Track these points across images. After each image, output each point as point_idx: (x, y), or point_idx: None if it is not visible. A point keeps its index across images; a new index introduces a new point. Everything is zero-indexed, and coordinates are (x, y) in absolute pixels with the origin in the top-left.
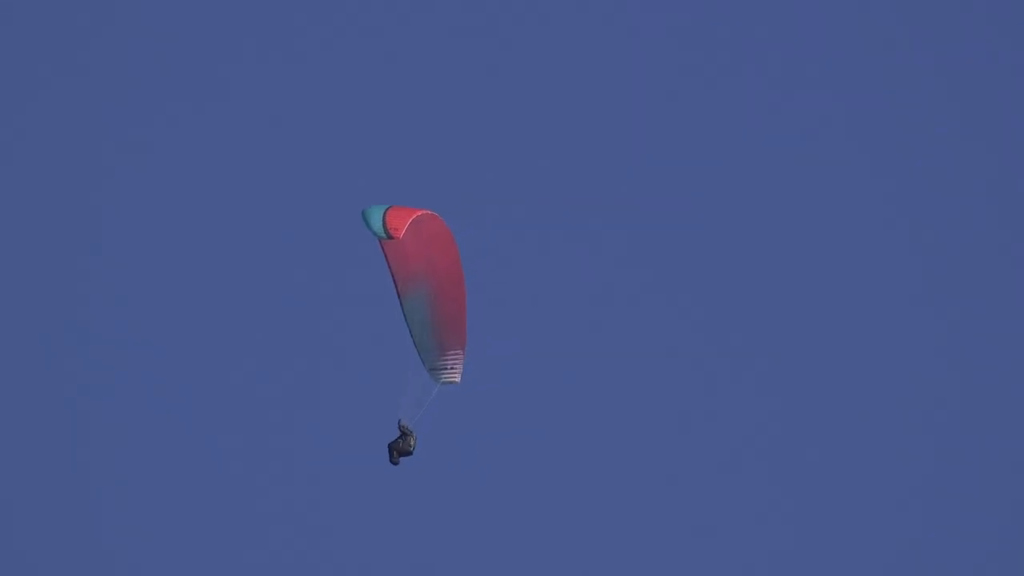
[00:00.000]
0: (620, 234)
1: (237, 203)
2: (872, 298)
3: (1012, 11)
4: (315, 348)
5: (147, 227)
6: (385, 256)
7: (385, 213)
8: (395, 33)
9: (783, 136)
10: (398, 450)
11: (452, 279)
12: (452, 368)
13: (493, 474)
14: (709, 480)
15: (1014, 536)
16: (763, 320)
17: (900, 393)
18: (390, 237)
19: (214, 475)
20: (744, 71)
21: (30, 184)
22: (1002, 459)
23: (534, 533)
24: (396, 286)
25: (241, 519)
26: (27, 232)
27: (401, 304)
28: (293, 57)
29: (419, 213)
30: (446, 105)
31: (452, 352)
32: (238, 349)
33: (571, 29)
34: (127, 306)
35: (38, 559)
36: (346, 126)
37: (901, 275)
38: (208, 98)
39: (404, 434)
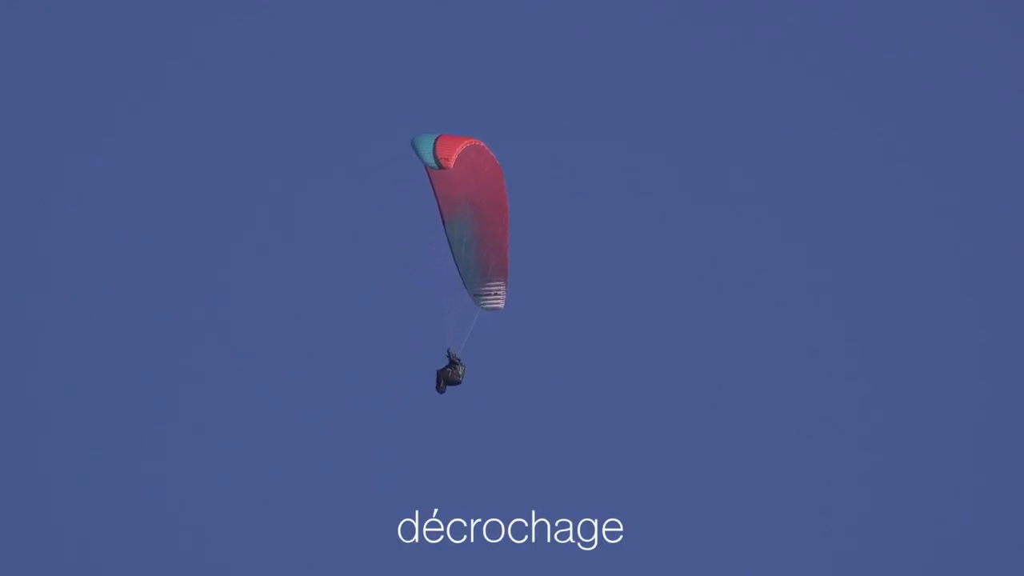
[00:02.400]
0: (663, 169)
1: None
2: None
3: None
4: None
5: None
6: (431, 182)
7: (435, 142)
8: None
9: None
10: (446, 379)
11: (496, 206)
12: (496, 294)
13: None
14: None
15: None
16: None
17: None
18: (440, 167)
19: (268, 412)
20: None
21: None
22: None
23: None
24: (441, 212)
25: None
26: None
27: (445, 229)
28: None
29: (468, 143)
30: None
31: (495, 279)
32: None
33: None
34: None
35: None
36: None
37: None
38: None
39: (453, 363)
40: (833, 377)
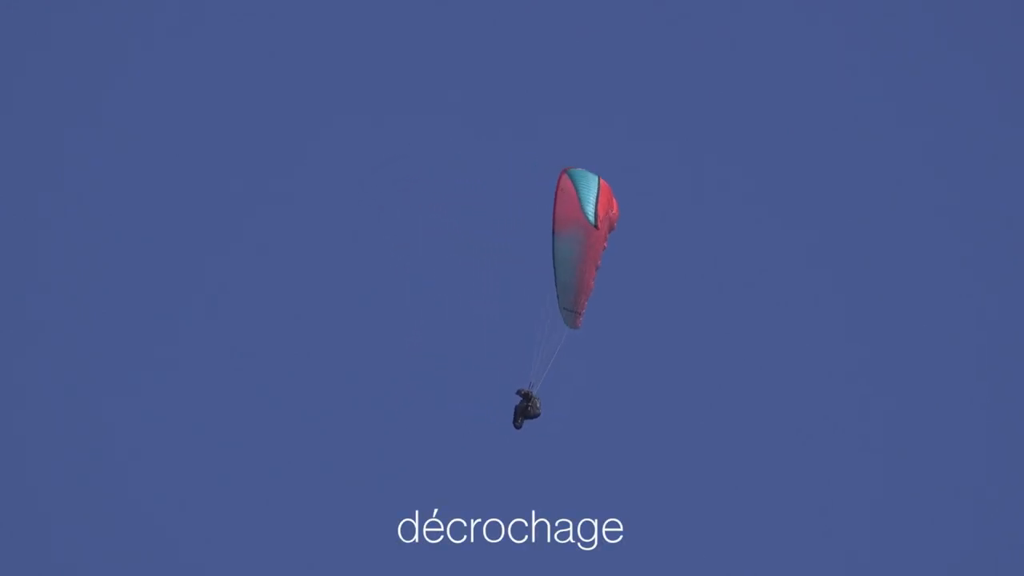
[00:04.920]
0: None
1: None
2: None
3: None
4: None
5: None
6: (556, 198)
7: (598, 200)
8: None
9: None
10: (524, 414)
11: (602, 239)
12: (577, 313)
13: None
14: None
15: None
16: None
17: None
18: (596, 226)
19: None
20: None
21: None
22: None
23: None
24: (553, 224)
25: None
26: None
27: (553, 241)
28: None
29: (614, 202)
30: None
31: (579, 298)
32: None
33: None
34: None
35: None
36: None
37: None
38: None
39: (528, 397)
40: (833, 377)
